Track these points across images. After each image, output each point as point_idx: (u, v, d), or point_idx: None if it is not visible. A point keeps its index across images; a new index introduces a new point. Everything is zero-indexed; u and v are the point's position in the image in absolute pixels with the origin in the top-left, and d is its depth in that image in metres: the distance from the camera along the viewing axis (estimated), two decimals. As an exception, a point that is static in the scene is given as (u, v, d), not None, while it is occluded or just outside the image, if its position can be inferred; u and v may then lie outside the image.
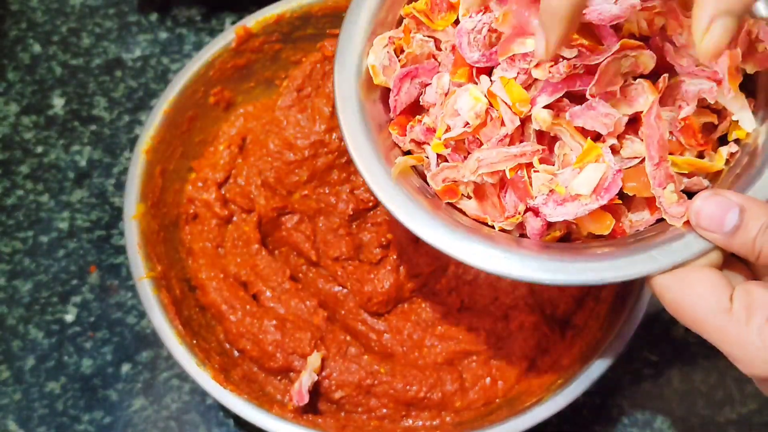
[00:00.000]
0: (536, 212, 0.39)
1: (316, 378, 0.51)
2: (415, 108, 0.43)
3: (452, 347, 0.54)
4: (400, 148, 0.43)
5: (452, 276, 0.56)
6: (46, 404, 0.57)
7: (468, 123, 0.39)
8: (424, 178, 0.43)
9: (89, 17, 0.71)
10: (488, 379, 0.53)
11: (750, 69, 0.40)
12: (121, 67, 0.69)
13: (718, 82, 0.39)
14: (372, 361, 0.53)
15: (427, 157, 0.42)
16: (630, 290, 0.50)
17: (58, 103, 0.67)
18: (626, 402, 0.56)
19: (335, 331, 0.54)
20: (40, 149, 0.66)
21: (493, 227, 0.40)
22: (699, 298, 0.36)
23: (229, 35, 0.56)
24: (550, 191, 0.38)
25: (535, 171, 0.39)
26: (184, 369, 0.49)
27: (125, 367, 0.58)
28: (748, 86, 0.41)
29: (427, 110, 0.42)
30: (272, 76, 0.60)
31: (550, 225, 0.40)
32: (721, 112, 0.41)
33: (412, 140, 0.42)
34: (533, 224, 0.39)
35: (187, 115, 0.57)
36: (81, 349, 0.59)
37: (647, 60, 0.39)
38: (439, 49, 0.43)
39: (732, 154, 0.40)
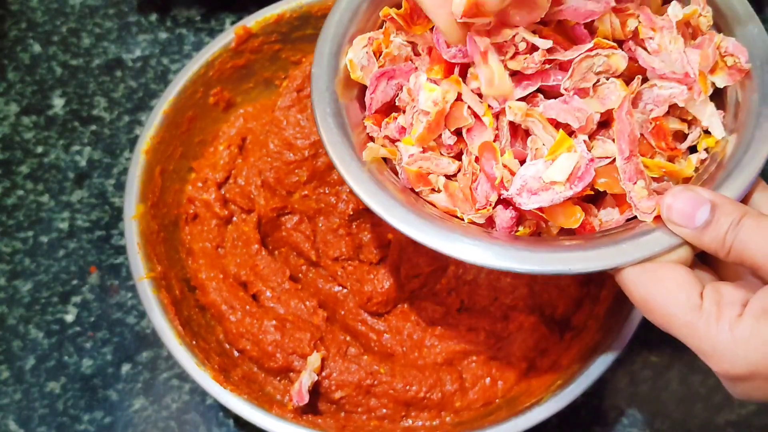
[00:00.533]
0: (508, 204, 0.40)
1: (315, 378, 0.51)
2: (391, 109, 0.44)
3: (452, 347, 0.54)
4: (374, 141, 0.44)
5: (452, 276, 0.56)
6: (46, 404, 0.57)
7: (428, 113, 0.40)
8: (396, 174, 0.43)
9: (89, 17, 0.71)
10: (488, 380, 0.53)
11: (720, 83, 0.41)
12: (121, 68, 0.69)
13: (689, 87, 0.40)
14: (372, 361, 0.53)
15: (400, 151, 0.42)
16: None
17: (58, 103, 0.67)
18: (625, 403, 0.56)
19: (335, 332, 0.55)
20: (40, 149, 0.66)
21: (462, 220, 0.41)
22: (669, 294, 0.36)
23: (228, 35, 0.56)
24: (522, 185, 0.39)
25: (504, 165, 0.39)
26: (184, 369, 0.49)
27: (125, 367, 0.58)
28: (717, 102, 0.41)
29: (403, 110, 0.43)
30: (272, 77, 0.60)
31: (520, 219, 0.40)
32: (690, 123, 0.42)
33: (386, 137, 0.43)
34: (503, 216, 0.40)
35: (187, 115, 0.57)
36: (81, 349, 0.59)
37: (619, 60, 0.39)
38: (417, 54, 0.44)
39: (701, 161, 0.41)
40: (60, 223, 0.63)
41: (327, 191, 0.58)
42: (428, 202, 0.42)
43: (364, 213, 0.59)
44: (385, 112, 0.44)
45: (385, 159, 0.43)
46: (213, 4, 0.71)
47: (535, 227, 0.41)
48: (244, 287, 0.56)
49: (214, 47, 0.57)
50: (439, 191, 0.42)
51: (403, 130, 0.42)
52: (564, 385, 0.48)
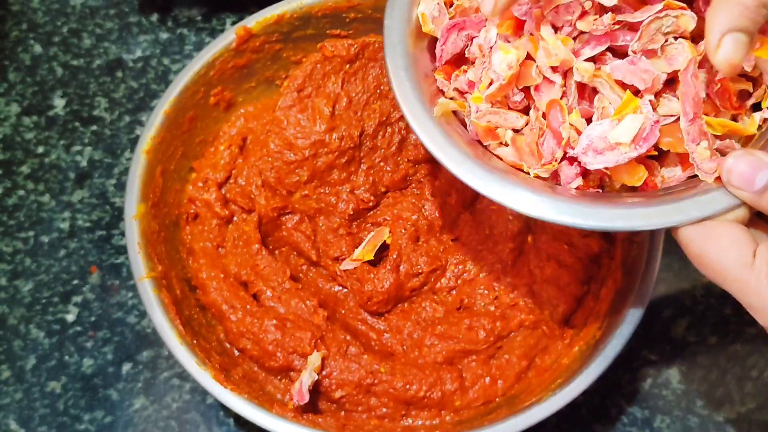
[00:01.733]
0: (573, 160, 0.40)
1: (316, 377, 0.51)
2: (461, 60, 0.44)
3: (452, 346, 0.54)
4: (443, 94, 0.44)
5: (452, 276, 0.56)
6: (47, 404, 0.57)
7: (501, 76, 0.41)
8: (464, 126, 0.44)
9: (90, 18, 0.71)
10: (488, 379, 0.53)
11: None
12: (121, 68, 0.69)
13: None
14: (372, 360, 0.53)
15: (469, 106, 0.43)
16: (630, 289, 0.50)
17: (59, 103, 0.68)
18: (625, 401, 0.56)
19: (335, 331, 0.55)
20: (41, 150, 0.66)
21: (528, 174, 0.41)
22: (722, 251, 0.37)
23: (229, 35, 0.57)
24: (588, 144, 0.39)
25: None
26: (185, 368, 0.49)
27: (126, 367, 0.59)
28: None
29: (473, 62, 0.43)
30: (273, 76, 0.60)
31: (585, 175, 0.41)
32: (756, 80, 0.42)
33: (455, 89, 0.44)
34: (568, 172, 0.40)
35: (188, 115, 0.57)
36: (82, 349, 0.59)
37: (688, 21, 0.39)
38: None
39: (765, 120, 0.41)
40: (61, 223, 0.63)
41: (327, 191, 0.58)
42: (496, 155, 0.43)
43: (364, 213, 0.59)
44: (455, 63, 0.45)
45: (454, 111, 0.44)
46: (214, 5, 0.71)
47: (598, 183, 0.42)
48: (245, 287, 0.56)
49: (215, 47, 0.57)
50: (506, 145, 0.43)
51: (472, 84, 0.43)
52: (564, 384, 0.48)
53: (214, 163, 0.59)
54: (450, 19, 0.44)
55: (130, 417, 0.57)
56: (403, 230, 0.57)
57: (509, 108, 0.42)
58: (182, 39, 0.70)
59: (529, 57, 0.41)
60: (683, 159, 0.41)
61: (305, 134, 0.56)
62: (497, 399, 0.53)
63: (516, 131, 0.42)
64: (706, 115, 0.40)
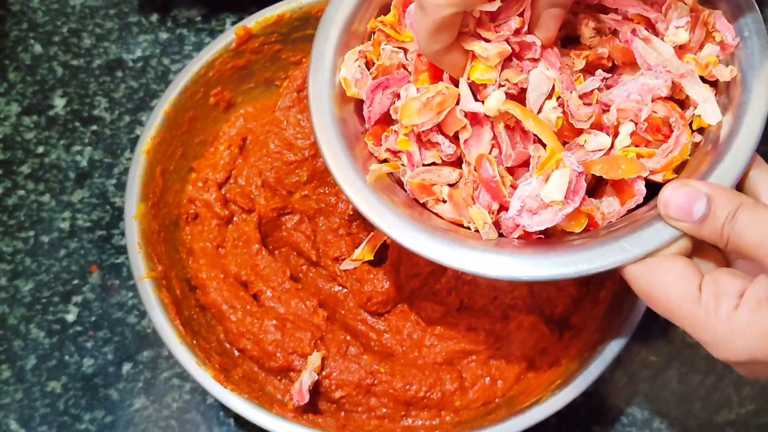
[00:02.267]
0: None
1: (316, 377, 0.51)
2: (389, 118, 0.44)
3: (452, 347, 0.54)
4: (376, 158, 0.44)
5: (452, 276, 0.56)
6: (47, 403, 0.58)
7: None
8: (401, 185, 0.43)
9: (90, 18, 0.71)
10: (487, 379, 0.53)
11: (713, 70, 0.41)
12: (121, 68, 0.69)
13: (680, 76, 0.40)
14: (372, 360, 0.53)
15: (403, 165, 0.43)
16: (629, 291, 0.50)
17: (59, 103, 0.68)
18: (624, 402, 0.57)
19: (335, 331, 0.55)
20: (41, 149, 0.66)
21: (469, 228, 0.41)
22: (669, 287, 0.37)
23: (229, 36, 0.57)
24: (521, 206, 0.39)
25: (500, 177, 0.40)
26: (185, 368, 0.49)
27: (126, 367, 0.59)
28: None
29: (398, 122, 0.43)
30: (272, 77, 0.60)
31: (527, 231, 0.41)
32: (684, 102, 0.42)
33: (387, 149, 0.43)
34: (508, 224, 0.40)
35: (188, 115, 0.57)
36: (82, 349, 0.59)
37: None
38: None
39: (696, 144, 0.41)
40: (61, 222, 0.63)
41: (327, 191, 0.58)
42: (435, 213, 0.42)
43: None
44: (384, 122, 0.44)
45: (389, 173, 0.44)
46: (213, 5, 0.71)
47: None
48: (245, 287, 0.56)
49: (215, 48, 0.57)
50: (444, 201, 0.42)
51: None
52: (563, 385, 0.48)
53: (214, 164, 0.59)
54: (373, 79, 0.43)
55: (130, 417, 0.57)
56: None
57: (442, 162, 0.42)
58: (182, 39, 0.70)
59: (458, 102, 0.41)
60: (619, 188, 0.41)
61: (305, 134, 0.56)
62: (497, 399, 0.53)
63: (451, 185, 0.42)
64: (637, 146, 0.41)
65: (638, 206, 0.41)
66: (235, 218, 0.59)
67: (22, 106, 0.67)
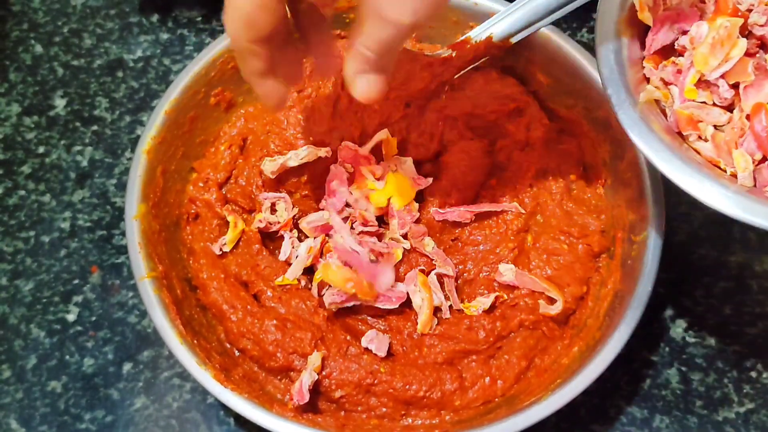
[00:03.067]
0: None
1: (316, 377, 0.52)
2: (669, 51, 0.45)
3: (452, 347, 0.54)
4: (648, 81, 0.45)
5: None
6: (47, 403, 0.58)
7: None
8: (664, 115, 0.45)
9: (91, 18, 0.71)
10: (487, 379, 0.53)
11: None
12: (122, 68, 0.69)
13: None
14: (372, 360, 0.53)
15: (672, 96, 0.44)
16: (629, 290, 0.50)
17: (59, 103, 0.68)
18: (624, 401, 0.57)
19: (335, 331, 0.55)
20: (41, 149, 0.66)
21: (724, 171, 0.42)
22: None
23: (229, 36, 0.57)
24: None
25: None
26: (185, 368, 0.49)
27: (126, 367, 0.59)
28: None
29: (681, 54, 0.44)
30: (273, 77, 0.60)
31: None
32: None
33: (661, 79, 0.45)
34: (765, 175, 0.41)
35: (189, 115, 0.57)
36: (82, 349, 0.59)
37: None
38: (703, 2, 0.45)
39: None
40: (61, 222, 0.63)
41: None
42: (693, 148, 0.43)
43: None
44: (663, 53, 0.45)
45: (656, 100, 0.45)
46: (214, 5, 0.71)
47: None
48: (245, 287, 0.56)
49: (216, 48, 0.57)
50: (706, 140, 0.43)
51: (678, 74, 0.44)
52: (563, 384, 0.48)
53: (215, 164, 0.59)
54: (664, 10, 0.44)
55: (130, 416, 0.57)
56: (403, 230, 0.57)
57: (714, 103, 0.43)
58: (183, 39, 0.70)
59: (748, 53, 0.42)
60: None
61: (305, 134, 0.57)
62: (497, 399, 0.53)
63: (716, 127, 0.43)
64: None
65: None
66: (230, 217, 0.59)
67: (22, 106, 0.68)
